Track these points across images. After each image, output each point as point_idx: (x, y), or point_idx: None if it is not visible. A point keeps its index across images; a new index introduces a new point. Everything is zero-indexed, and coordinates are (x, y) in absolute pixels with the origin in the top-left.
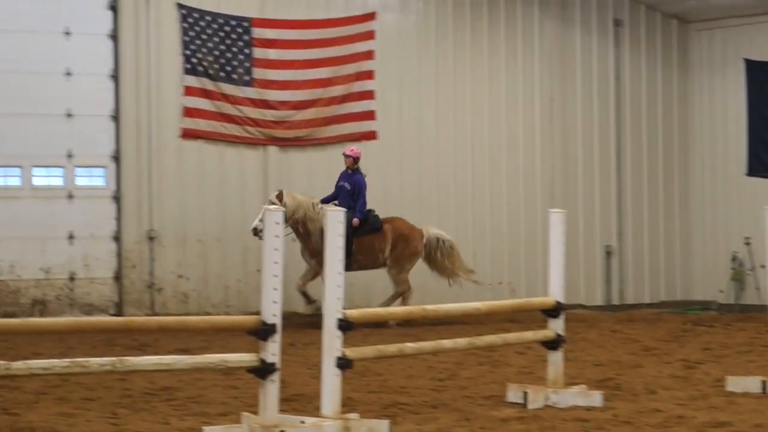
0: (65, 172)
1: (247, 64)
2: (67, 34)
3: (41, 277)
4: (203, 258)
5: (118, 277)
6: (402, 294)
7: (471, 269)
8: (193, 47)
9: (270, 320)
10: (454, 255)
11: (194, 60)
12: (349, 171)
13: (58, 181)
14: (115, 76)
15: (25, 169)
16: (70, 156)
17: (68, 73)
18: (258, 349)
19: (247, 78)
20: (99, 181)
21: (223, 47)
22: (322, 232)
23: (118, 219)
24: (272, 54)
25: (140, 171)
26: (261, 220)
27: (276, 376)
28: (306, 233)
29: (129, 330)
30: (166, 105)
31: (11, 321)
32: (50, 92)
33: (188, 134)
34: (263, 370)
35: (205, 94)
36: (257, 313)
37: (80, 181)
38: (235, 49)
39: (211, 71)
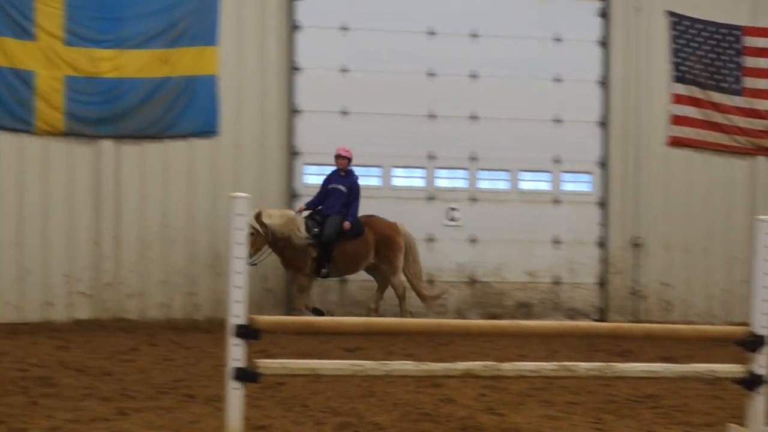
0: (552, 177)
1: (736, 73)
2: (558, 40)
3: (526, 280)
4: (688, 266)
5: (602, 283)
6: (403, 296)
7: (433, 295)
8: (682, 55)
9: (759, 331)
10: (417, 266)
11: (683, 68)
12: (342, 173)
13: (544, 186)
14: (604, 83)
15: (512, 174)
16: (557, 161)
17: (557, 79)
18: (745, 360)
19: (736, 87)
20: (585, 187)
21: (713, 55)
22: (290, 240)
23: (604, 225)
24: (763, 63)
25: (626, 177)
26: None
27: (764, 389)
28: (283, 246)
29: (615, 336)
30: (654, 112)
31: (499, 322)
32: (539, 98)
33: (675, 142)
34: (751, 382)
35: (693, 102)
36: (744, 323)
37: (566, 187)
38: (725, 58)
39: (700, 79)
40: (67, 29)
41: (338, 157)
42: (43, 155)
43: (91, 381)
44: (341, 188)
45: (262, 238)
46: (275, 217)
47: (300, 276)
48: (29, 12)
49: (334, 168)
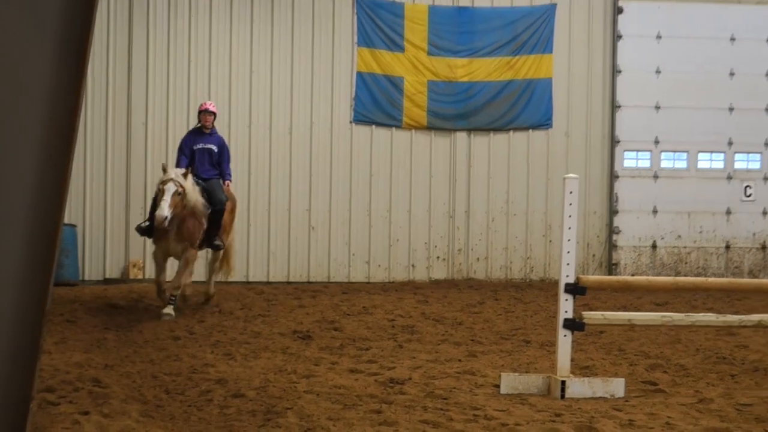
0: None
1: None
2: None
3: None
4: None
5: None
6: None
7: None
8: None
9: None
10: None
11: None
12: (206, 131)
13: None
14: None
15: None
16: None
17: None
18: None
19: None
20: None
21: None
22: (194, 210)
23: None
24: None
25: None
26: (170, 206)
27: None
28: (183, 217)
29: None
30: None
31: None
32: None
33: None
34: None
35: None
36: None
37: None
38: None
39: None
40: (430, 42)
41: (205, 112)
42: (409, 145)
43: (446, 329)
44: (212, 148)
45: (181, 200)
46: (188, 182)
47: (191, 250)
48: (400, 29)
49: (197, 127)
